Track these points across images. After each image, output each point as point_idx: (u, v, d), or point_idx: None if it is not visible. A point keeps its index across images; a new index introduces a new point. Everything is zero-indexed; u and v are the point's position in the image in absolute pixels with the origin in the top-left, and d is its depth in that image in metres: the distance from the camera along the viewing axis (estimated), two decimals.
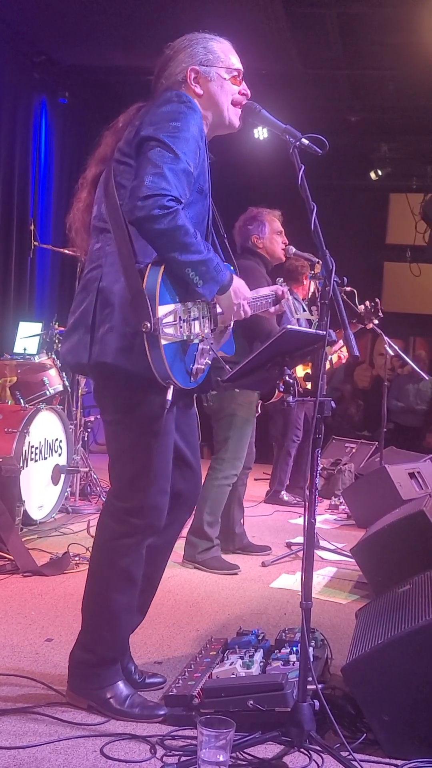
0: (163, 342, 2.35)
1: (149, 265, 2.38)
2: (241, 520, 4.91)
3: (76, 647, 2.65)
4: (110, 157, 2.56)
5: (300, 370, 5.55)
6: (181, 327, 2.42)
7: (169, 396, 2.41)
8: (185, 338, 2.44)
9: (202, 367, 2.54)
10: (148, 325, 2.31)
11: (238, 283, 2.61)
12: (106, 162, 2.59)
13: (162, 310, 2.35)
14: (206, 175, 2.56)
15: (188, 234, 2.34)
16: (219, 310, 2.64)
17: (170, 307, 2.39)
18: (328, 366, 5.52)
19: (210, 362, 2.60)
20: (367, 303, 5.37)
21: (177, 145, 2.38)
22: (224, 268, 2.51)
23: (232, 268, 2.80)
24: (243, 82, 2.70)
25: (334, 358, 5.72)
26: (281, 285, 3.16)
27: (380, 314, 5.41)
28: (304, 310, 5.77)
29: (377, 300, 5.42)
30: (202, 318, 2.55)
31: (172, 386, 2.41)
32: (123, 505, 2.57)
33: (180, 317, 2.42)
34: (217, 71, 2.64)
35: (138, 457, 2.52)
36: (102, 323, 2.43)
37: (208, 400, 4.47)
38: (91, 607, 2.64)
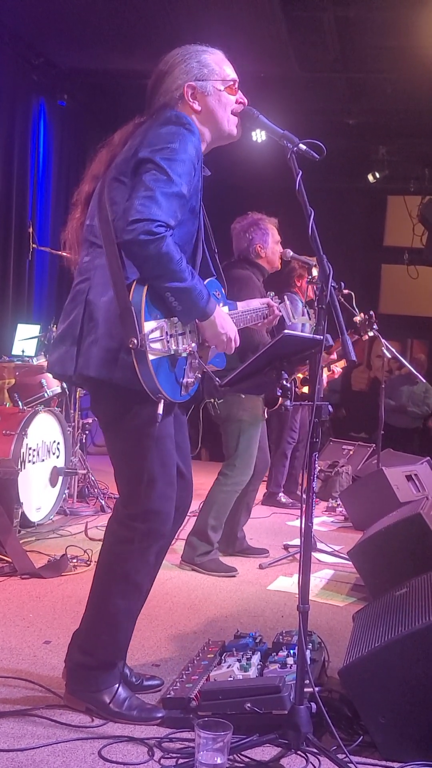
0: (151, 357, 2.39)
1: (134, 282, 2.41)
2: (243, 525, 4.92)
3: (75, 650, 2.66)
4: (104, 173, 2.58)
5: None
6: (168, 342, 2.45)
7: (160, 410, 2.44)
8: (173, 352, 2.47)
9: (193, 380, 2.58)
10: (135, 341, 2.35)
11: (223, 315, 2.63)
12: (98, 179, 2.61)
13: (148, 326, 2.39)
14: (199, 195, 2.58)
15: (172, 261, 2.37)
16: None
17: (156, 323, 2.43)
18: (326, 373, 5.54)
19: (200, 375, 2.63)
20: (362, 315, 5.39)
21: (172, 167, 2.40)
22: (206, 295, 2.52)
23: (221, 285, 2.82)
24: (239, 91, 2.71)
25: (338, 367, 5.74)
26: (272, 298, 3.16)
27: (375, 326, 5.43)
28: (310, 318, 5.77)
29: (372, 312, 5.44)
30: (189, 333, 2.57)
31: (162, 400, 2.45)
32: (127, 510, 2.59)
33: (167, 332, 2.46)
34: (213, 84, 2.64)
35: (136, 464, 2.54)
36: (87, 336, 2.47)
37: (216, 409, 4.48)
38: (92, 610, 2.66)
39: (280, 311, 3.05)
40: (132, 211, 2.33)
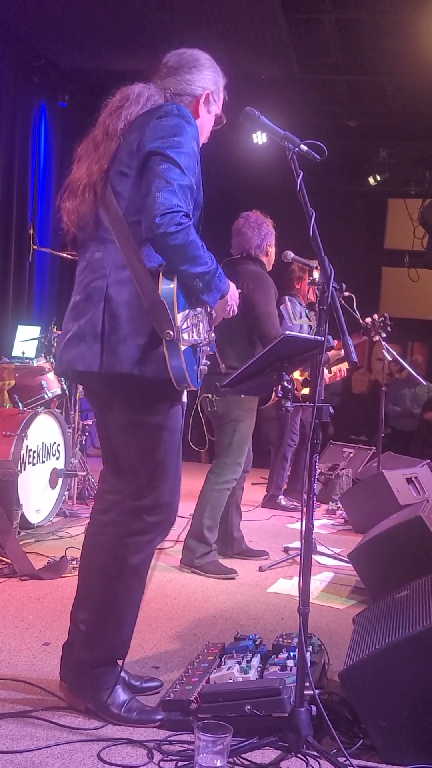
0: (182, 347, 2.43)
1: (161, 274, 2.44)
2: (238, 525, 4.92)
3: (78, 646, 2.64)
4: (107, 167, 2.57)
5: (297, 375, 5.56)
6: (192, 331, 2.49)
7: (184, 398, 2.53)
8: (196, 341, 2.51)
9: (204, 367, 2.62)
10: (171, 333, 2.40)
11: (233, 291, 2.73)
12: (115, 138, 2.58)
13: (180, 317, 2.43)
14: (200, 187, 2.61)
15: (198, 247, 2.43)
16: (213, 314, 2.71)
17: (184, 313, 2.47)
18: (327, 375, 5.53)
19: (208, 362, 2.67)
20: (375, 316, 5.36)
21: (181, 160, 2.45)
22: (224, 276, 2.60)
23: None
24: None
25: (335, 355, 5.72)
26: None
27: (389, 329, 5.39)
28: (310, 320, 5.77)
29: (386, 315, 5.40)
30: (204, 320, 2.61)
31: (185, 389, 2.51)
32: (139, 503, 2.60)
33: (191, 322, 2.50)
34: (217, 106, 2.79)
35: (154, 457, 2.58)
36: (112, 333, 2.47)
37: (213, 406, 4.47)
38: (97, 605, 2.64)
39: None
40: (158, 205, 2.37)
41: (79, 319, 2.53)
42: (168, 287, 2.43)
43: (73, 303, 2.59)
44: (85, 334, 2.50)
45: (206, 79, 2.73)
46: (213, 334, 2.66)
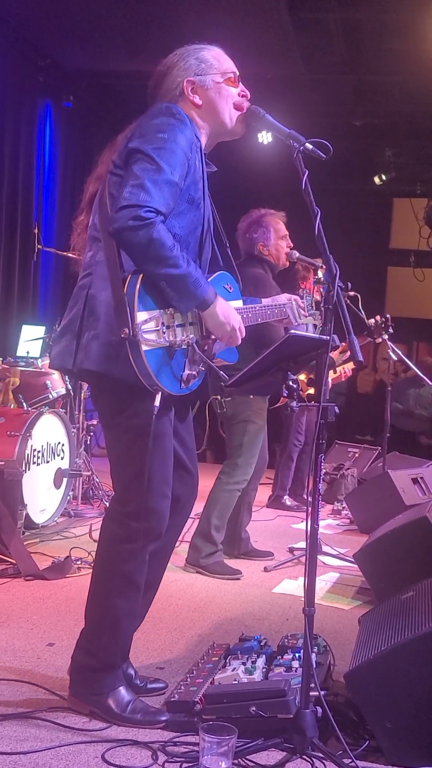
0: (145, 348, 2.38)
1: (130, 273, 2.42)
2: (247, 525, 4.91)
3: (78, 652, 2.65)
4: (106, 174, 2.59)
5: (302, 376, 5.54)
6: (163, 333, 2.44)
7: (157, 402, 2.43)
8: (168, 344, 2.45)
9: (195, 373, 2.55)
10: (127, 331, 2.35)
11: (225, 305, 2.58)
12: (102, 180, 2.61)
13: (141, 316, 2.38)
14: (199, 185, 2.57)
15: (164, 247, 2.36)
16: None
17: (149, 314, 2.41)
18: (332, 375, 5.52)
19: (204, 369, 2.60)
20: (378, 318, 5.34)
21: (161, 156, 2.40)
22: (204, 284, 2.49)
23: (233, 277, 2.80)
24: (240, 83, 2.70)
25: (338, 357, 5.71)
26: (302, 297, 3.14)
27: (391, 330, 5.38)
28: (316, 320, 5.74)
29: (388, 315, 5.39)
30: (189, 324, 2.55)
31: (159, 392, 2.44)
32: (123, 509, 2.57)
33: (162, 323, 2.44)
34: (213, 77, 2.65)
35: (134, 461, 2.52)
36: (87, 330, 2.47)
37: (222, 407, 4.47)
38: (92, 612, 2.64)
39: (293, 302, 3.03)
40: (120, 200, 2.35)
41: (66, 316, 2.56)
42: (132, 286, 2.39)
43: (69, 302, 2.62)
44: (67, 331, 2.53)
45: (180, 72, 2.64)
46: (193, 336, 2.55)
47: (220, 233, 2.76)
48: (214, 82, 2.65)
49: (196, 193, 2.55)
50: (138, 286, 2.39)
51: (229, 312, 2.58)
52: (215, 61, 2.67)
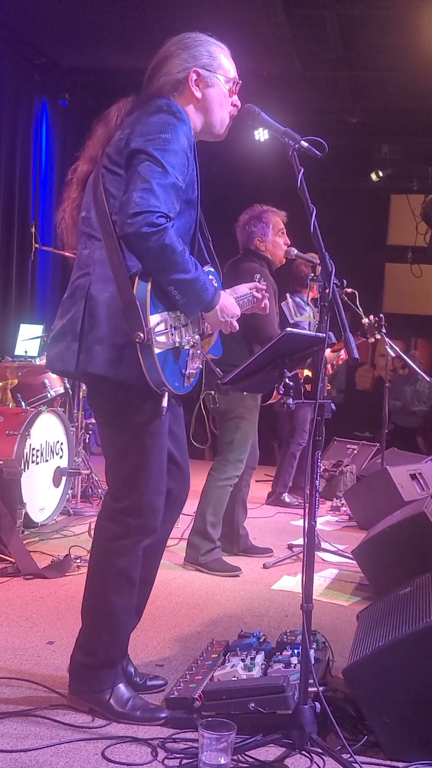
0: (157, 351, 2.37)
1: (137, 276, 2.40)
2: (243, 522, 4.92)
3: (77, 650, 2.65)
4: (99, 158, 2.56)
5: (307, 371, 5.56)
6: (172, 334, 2.45)
7: (165, 403, 2.45)
8: (177, 345, 2.46)
9: (194, 371, 2.58)
10: (141, 335, 2.33)
11: (226, 302, 2.62)
12: (94, 161, 2.58)
13: (153, 319, 2.38)
14: (195, 184, 2.56)
15: (175, 252, 2.36)
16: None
17: (160, 316, 2.41)
18: (329, 368, 5.53)
19: (201, 366, 2.63)
20: (372, 317, 5.35)
21: (166, 158, 2.39)
22: (210, 286, 2.51)
23: (216, 272, 2.80)
24: (236, 94, 2.70)
25: (333, 357, 5.72)
26: (258, 282, 3.11)
27: (384, 330, 5.39)
28: (313, 317, 5.75)
29: (381, 315, 5.40)
30: (191, 323, 2.57)
31: (166, 393, 2.44)
32: (118, 505, 2.58)
33: (171, 325, 2.45)
34: (218, 78, 2.64)
35: (133, 458, 2.54)
36: (89, 332, 2.44)
37: (215, 402, 4.47)
38: (89, 610, 2.65)
39: (267, 294, 3.00)
40: (131, 204, 2.32)
41: (63, 317, 2.52)
42: (143, 288, 2.38)
43: (62, 300, 2.58)
44: (66, 333, 2.49)
45: (193, 57, 2.60)
46: (198, 338, 2.58)
47: (204, 228, 2.75)
48: (217, 82, 2.64)
49: (192, 193, 2.55)
50: (149, 289, 2.38)
51: (229, 308, 2.63)
52: (224, 62, 2.66)
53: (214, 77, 2.63)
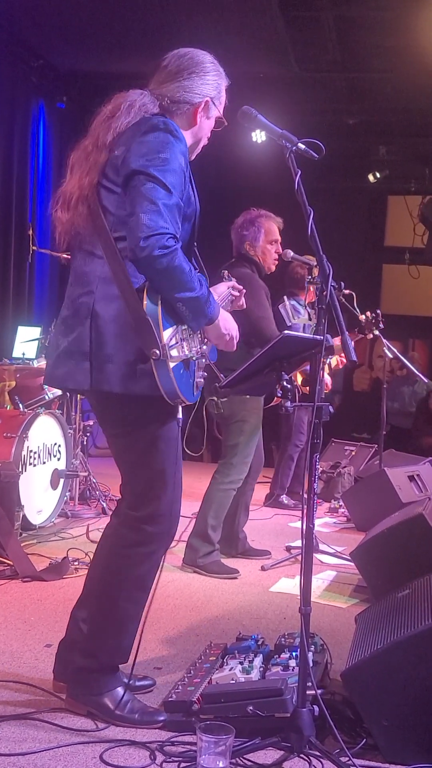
0: (171, 364, 2.40)
1: (145, 291, 2.41)
2: (244, 525, 4.91)
3: (77, 653, 2.65)
4: (97, 180, 2.54)
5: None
6: (182, 347, 2.47)
7: (179, 414, 2.50)
8: (187, 356, 2.49)
9: (201, 380, 2.61)
10: (157, 352, 2.37)
11: (226, 316, 2.66)
12: (105, 150, 2.54)
13: (166, 334, 2.40)
14: (191, 200, 2.58)
15: (184, 272, 2.38)
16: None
17: (172, 330, 2.44)
18: (327, 370, 5.52)
19: (206, 374, 2.65)
20: (368, 313, 5.35)
21: (167, 178, 2.40)
22: (213, 301, 2.55)
23: (204, 277, 2.81)
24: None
25: (333, 361, 5.71)
26: (227, 279, 3.11)
27: (381, 325, 5.39)
28: (311, 319, 5.75)
29: (378, 311, 5.40)
30: (194, 335, 2.59)
31: (180, 404, 2.49)
32: (137, 514, 2.59)
33: (180, 337, 2.48)
34: (216, 110, 2.71)
35: (149, 467, 2.56)
36: (98, 351, 2.45)
37: (219, 407, 4.47)
38: (98, 615, 2.64)
39: (243, 291, 3.02)
40: (142, 227, 2.32)
41: (68, 336, 2.52)
42: (153, 304, 2.40)
43: (61, 317, 2.59)
44: (74, 352, 2.49)
45: (207, 85, 2.65)
46: (205, 348, 2.63)
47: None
48: (213, 116, 2.72)
49: (188, 208, 2.57)
50: (160, 305, 2.40)
51: (229, 323, 2.66)
52: (223, 95, 2.73)
53: (214, 109, 2.70)
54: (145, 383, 2.41)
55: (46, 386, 5.56)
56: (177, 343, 2.45)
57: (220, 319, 2.60)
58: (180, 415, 2.51)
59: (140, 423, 2.54)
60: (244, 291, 3.00)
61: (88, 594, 2.72)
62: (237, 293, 2.95)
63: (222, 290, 2.92)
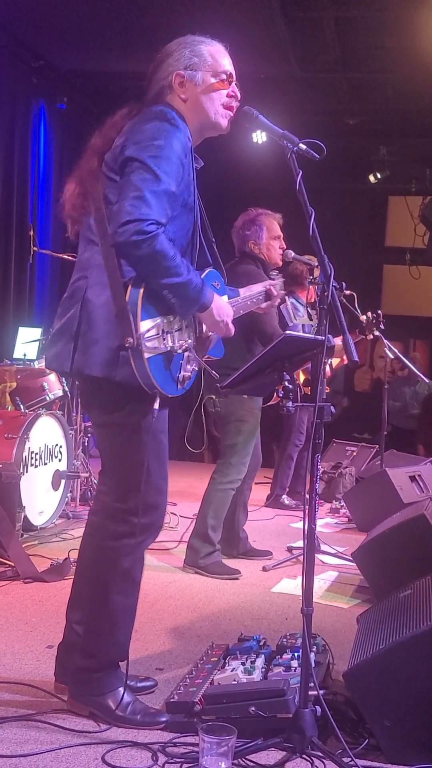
0: (147, 355, 2.41)
1: (130, 282, 2.43)
2: (244, 525, 4.91)
3: (77, 654, 2.65)
4: (97, 167, 2.57)
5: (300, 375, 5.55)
6: (164, 339, 2.47)
7: (156, 405, 2.49)
8: (169, 349, 2.49)
9: (189, 374, 2.60)
10: (131, 340, 2.38)
11: (220, 302, 2.65)
12: (99, 155, 2.58)
13: (144, 325, 2.41)
14: (191, 188, 2.58)
15: (166, 258, 2.38)
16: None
17: (153, 321, 2.44)
18: (328, 369, 5.52)
19: (197, 369, 2.65)
20: (369, 314, 5.35)
21: (159, 165, 2.40)
22: (204, 287, 2.53)
23: (220, 273, 2.81)
24: (232, 84, 2.67)
25: (335, 361, 5.71)
26: (277, 277, 3.12)
27: (381, 326, 5.39)
28: (311, 319, 5.75)
29: (379, 312, 5.40)
30: (185, 327, 2.59)
31: (158, 395, 2.48)
32: (122, 505, 2.59)
33: (163, 330, 2.48)
34: (204, 75, 2.62)
35: (131, 457, 2.56)
36: (85, 334, 2.48)
37: (217, 406, 4.47)
38: (90, 613, 2.64)
39: (287, 300, 3.04)
40: (122, 213, 2.34)
41: (62, 317, 2.56)
42: (134, 294, 2.41)
43: (62, 299, 2.62)
44: (64, 333, 2.54)
45: (172, 62, 2.61)
46: (192, 341, 2.61)
47: (208, 230, 2.77)
48: (203, 79, 2.62)
49: (189, 197, 2.56)
50: (140, 296, 2.41)
51: (223, 309, 2.65)
52: (210, 57, 2.63)
53: (198, 75, 2.61)
54: (126, 370, 2.42)
55: (47, 387, 5.56)
56: (157, 334, 2.44)
57: (213, 306, 2.58)
58: (156, 407, 2.48)
59: (122, 412, 2.54)
60: (280, 294, 3.04)
61: (78, 593, 2.73)
62: (274, 291, 3.00)
63: (257, 289, 2.98)
